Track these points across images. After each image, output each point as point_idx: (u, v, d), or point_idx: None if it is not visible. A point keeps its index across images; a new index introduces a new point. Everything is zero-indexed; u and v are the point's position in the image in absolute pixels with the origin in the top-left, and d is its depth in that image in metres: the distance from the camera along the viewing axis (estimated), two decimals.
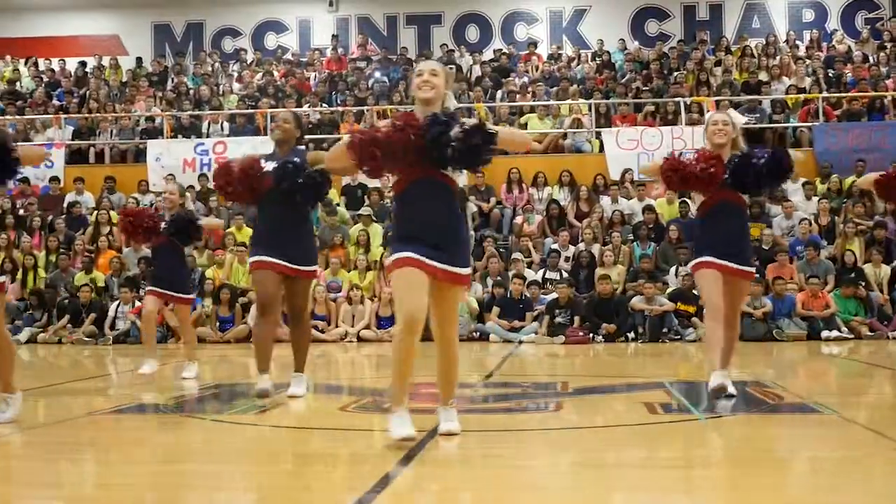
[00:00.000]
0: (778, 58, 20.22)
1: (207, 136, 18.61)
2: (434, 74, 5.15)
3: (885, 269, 14.16)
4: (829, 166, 16.65)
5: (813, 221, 15.26)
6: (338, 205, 16.74)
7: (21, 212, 17.20)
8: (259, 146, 17.91)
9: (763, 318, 13.01)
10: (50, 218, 17.06)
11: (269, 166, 6.81)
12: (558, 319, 13.32)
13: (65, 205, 17.55)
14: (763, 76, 19.33)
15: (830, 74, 19.44)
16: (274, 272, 6.77)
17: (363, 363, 11.80)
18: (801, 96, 17.98)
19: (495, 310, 13.70)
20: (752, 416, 6.25)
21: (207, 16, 23.96)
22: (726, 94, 18.55)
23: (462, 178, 17.05)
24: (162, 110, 19.68)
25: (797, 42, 21.44)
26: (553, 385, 8.36)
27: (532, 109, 18.65)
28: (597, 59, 21.39)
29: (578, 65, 21.26)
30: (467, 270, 5.10)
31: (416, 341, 4.84)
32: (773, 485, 4.22)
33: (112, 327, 14.15)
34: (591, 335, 13.02)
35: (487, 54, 22.31)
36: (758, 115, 17.79)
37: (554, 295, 13.67)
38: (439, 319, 5.11)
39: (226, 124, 18.91)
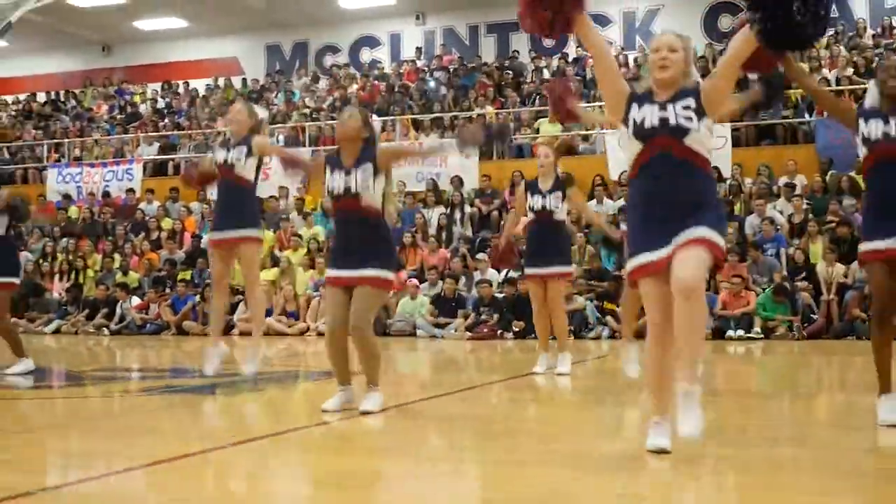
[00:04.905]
0: (830, 48, 19.55)
1: None
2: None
3: (839, 269, 13.76)
4: (827, 161, 16.16)
5: (786, 221, 15.03)
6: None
7: (100, 219, 19.86)
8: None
9: None
10: (127, 225, 19.54)
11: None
12: (483, 316, 14.05)
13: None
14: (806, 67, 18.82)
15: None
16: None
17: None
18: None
19: (429, 307, 14.60)
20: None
21: (311, 35, 25.98)
22: None
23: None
24: None
25: (867, 29, 20.55)
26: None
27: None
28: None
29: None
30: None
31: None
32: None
33: (120, 321, 16.22)
34: (498, 332, 13.64)
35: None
36: (772, 111, 17.44)
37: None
38: None
39: (280, 138, 20.75)
